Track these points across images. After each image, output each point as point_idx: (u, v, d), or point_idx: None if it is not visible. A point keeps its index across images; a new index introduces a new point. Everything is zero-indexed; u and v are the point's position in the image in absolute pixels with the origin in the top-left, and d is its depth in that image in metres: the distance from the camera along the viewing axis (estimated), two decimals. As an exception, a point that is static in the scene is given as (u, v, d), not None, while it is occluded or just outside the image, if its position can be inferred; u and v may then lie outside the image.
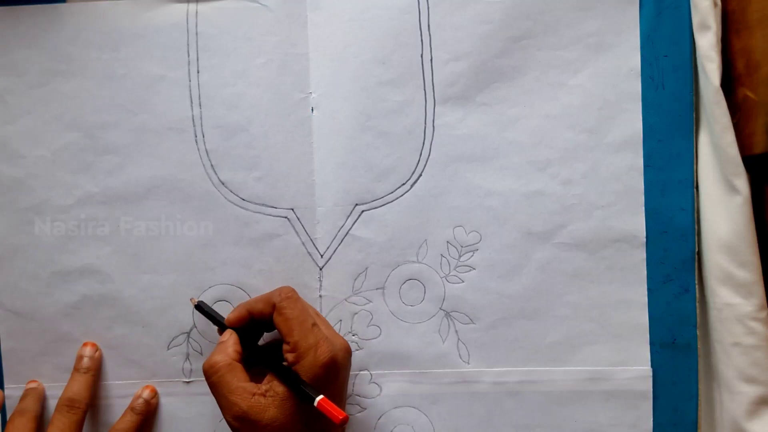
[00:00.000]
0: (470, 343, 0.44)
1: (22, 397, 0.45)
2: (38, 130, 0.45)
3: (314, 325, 0.39)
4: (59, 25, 0.45)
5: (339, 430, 0.40)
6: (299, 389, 0.38)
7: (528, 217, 0.44)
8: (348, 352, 0.41)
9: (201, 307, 0.44)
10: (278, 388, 0.38)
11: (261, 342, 0.44)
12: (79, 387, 0.44)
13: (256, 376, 0.40)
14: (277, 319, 0.40)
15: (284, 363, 0.39)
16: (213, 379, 0.40)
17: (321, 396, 0.37)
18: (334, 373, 0.39)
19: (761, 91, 0.41)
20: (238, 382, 0.39)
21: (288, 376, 0.38)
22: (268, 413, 0.38)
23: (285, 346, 0.39)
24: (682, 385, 0.44)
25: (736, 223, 0.41)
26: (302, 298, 0.41)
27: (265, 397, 0.38)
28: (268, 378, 0.39)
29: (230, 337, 0.42)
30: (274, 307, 0.40)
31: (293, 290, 0.41)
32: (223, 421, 0.42)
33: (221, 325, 0.43)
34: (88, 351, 0.45)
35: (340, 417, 0.37)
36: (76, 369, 0.45)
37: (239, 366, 0.40)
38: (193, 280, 0.45)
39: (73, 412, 0.43)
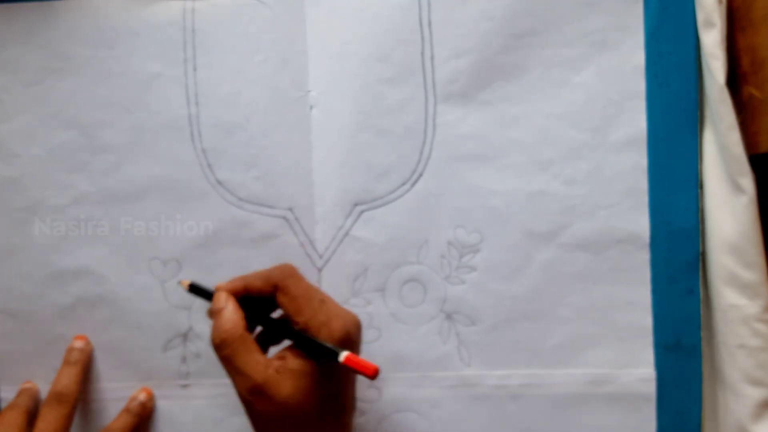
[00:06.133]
0: (471, 346, 0.44)
1: (16, 396, 0.45)
2: (33, 129, 0.45)
3: (322, 301, 0.38)
4: (54, 23, 0.45)
5: (352, 408, 0.40)
6: (320, 351, 0.36)
7: (530, 218, 0.44)
8: (358, 327, 0.39)
9: (195, 287, 0.41)
10: (293, 363, 0.37)
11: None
12: (68, 380, 0.43)
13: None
14: (282, 299, 0.38)
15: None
16: (227, 352, 0.37)
17: (347, 352, 0.36)
18: (351, 348, 0.38)
19: (767, 89, 0.41)
20: (251, 354, 0.37)
21: (306, 341, 0.37)
22: (284, 389, 0.36)
23: (296, 327, 0.38)
24: (687, 387, 0.43)
25: (742, 223, 0.41)
26: (304, 276, 0.40)
27: (278, 373, 0.37)
28: (280, 354, 0.38)
29: (228, 302, 0.39)
30: (275, 287, 0.39)
31: (294, 268, 0.40)
32: (220, 425, 0.42)
33: None
34: (78, 344, 0.45)
35: (372, 367, 0.35)
36: (66, 361, 0.44)
37: (250, 336, 0.38)
38: (189, 281, 0.45)
39: (63, 406, 0.42)
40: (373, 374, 0.35)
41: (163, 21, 0.44)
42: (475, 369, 0.44)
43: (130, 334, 0.45)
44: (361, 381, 0.45)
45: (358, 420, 0.45)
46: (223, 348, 0.38)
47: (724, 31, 0.41)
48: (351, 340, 0.38)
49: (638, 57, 0.43)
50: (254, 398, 0.37)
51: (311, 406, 0.37)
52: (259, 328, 0.41)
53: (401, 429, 0.44)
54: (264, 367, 0.37)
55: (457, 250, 0.44)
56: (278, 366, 0.37)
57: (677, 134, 0.43)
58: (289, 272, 0.39)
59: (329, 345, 0.36)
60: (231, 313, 0.38)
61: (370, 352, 0.44)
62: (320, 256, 0.44)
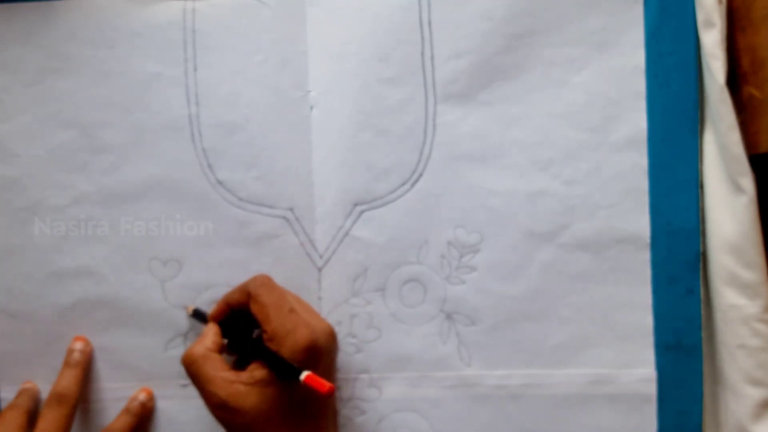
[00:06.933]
0: (471, 346, 0.44)
1: (16, 396, 0.45)
2: (33, 129, 0.45)
3: (291, 310, 0.39)
4: (55, 23, 0.45)
5: (327, 413, 0.40)
6: (282, 368, 0.38)
7: (530, 218, 0.43)
8: (331, 336, 0.41)
9: (198, 314, 0.44)
10: (258, 373, 0.38)
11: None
12: (69, 381, 0.44)
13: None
14: (254, 307, 0.40)
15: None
16: (191, 370, 0.40)
17: (307, 372, 0.37)
18: (317, 357, 0.39)
19: (767, 89, 0.41)
20: (216, 371, 0.39)
21: (270, 356, 0.38)
22: (248, 400, 0.38)
23: (264, 335, 0.39)
24: (687, 387, 0.43)
25: (742, 224, 0.41)
26: (279, 286, 0.41)
27: (245, 384, 0.38)
28: (251, 366, 0.39)
29: (210, 329, 0.42)
30: (249, 296, 0.40)
31: (268, 277, 0.41)
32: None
33: None
34: (78, 345, 0.45)
35: (327, 386, 0.36)
36: (66, 363, 0.44)
37: (216, 356, 0.40)
38: (190, 281, 0.45)
39: (63, 407, 0.43)
40: (326, 392, 0.37)
41: (163, 21, 0.44)
42: (475, 369, 0.44)
43: (130, 334, 0.45)
44: (360, 380, 0.45)
45: (358, 419, 0.45)
46: (186, 366, 0.40)
47: (724, 31, 0.41)
48: (318, 349, 0.39)
49: (638, 57, 0.43)
50: (221, 413, 0.38)
51: (278, 415, 0.38)
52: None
53: (401, 429, 0.44)
54: (228, 383, 0.38)
55: (457, 250, 0.44)
56: (246, 378, 0.38)
57: (677, 134, 0.43)
58: (262, 281, 0.41)
59: (290, 363, 0.38)
60: (204, 337, 0.41)
61: (370, 352, 0.44)
62: (320, 256, 0.44)
